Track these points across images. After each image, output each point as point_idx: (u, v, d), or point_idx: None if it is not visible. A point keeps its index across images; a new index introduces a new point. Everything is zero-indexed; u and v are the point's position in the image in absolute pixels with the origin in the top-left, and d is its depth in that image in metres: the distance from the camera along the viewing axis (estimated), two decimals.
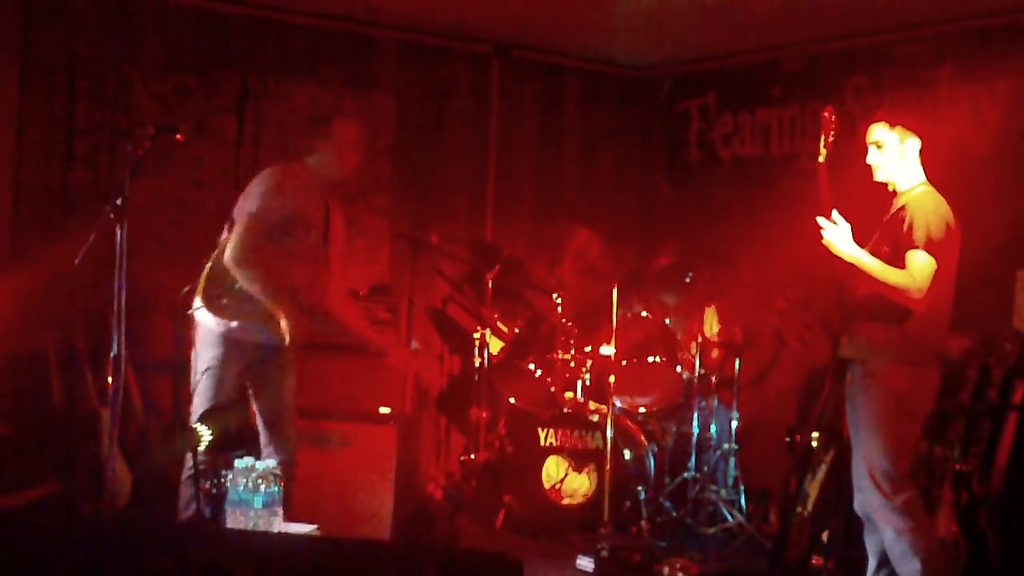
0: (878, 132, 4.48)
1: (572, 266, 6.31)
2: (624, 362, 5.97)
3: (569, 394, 6.19)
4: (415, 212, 6.96)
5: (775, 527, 5.76)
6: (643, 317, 6.25)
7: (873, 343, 4.42)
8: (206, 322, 4.62)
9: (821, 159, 4.51)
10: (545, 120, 7.47)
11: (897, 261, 4.32)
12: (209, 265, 4.60)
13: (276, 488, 4.24)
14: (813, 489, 5.11)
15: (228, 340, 4.61)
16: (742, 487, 6.07)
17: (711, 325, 6.33)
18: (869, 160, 4.51)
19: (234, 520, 4.18)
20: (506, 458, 6.01)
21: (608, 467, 5.51)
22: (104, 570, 3.18)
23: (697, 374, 6.14)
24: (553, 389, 6.13)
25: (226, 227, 4.72)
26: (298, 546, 3.64)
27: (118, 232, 4.02)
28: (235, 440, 4.62)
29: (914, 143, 4.47)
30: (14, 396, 5.63)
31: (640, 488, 5.88)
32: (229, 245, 4.56)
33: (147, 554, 3.20)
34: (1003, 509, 4.81)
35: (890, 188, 4.52)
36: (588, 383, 6.19)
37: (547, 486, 5.91)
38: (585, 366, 6.17)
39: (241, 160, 6.40)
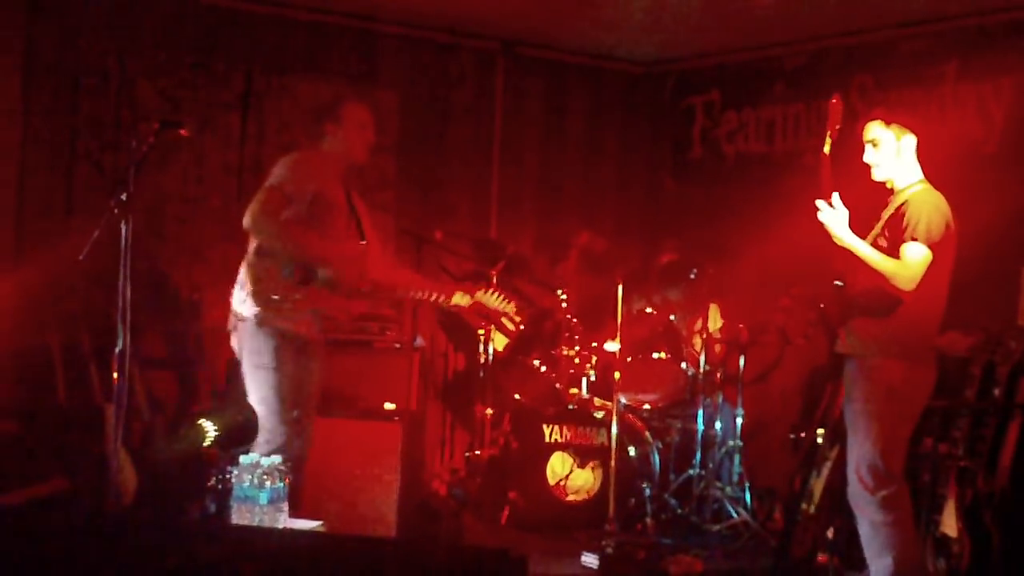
0: (874, 130, 4.44)
1: (576, 262, 6.31)
2: (629, 358, 5.96)
3: (574, 390, 6.19)
4: (419, 208, 6.97)
5: (780, 524, 5.74)
6: (648, 313, 6.25)
7: (869, 338, 4.40)
8: (262, 322, 4.56)
9: (826, 148, 4.44)
10: (549, 117, 7.46)
11: (895, 256, 4.29)
12: (249, 266, 4.55)
13: (281, 484, 4.23)
14: (818, 486, 5.09)
15: (283, 335, 4.57)
16: (747, 484, 6.04)
17: (715, 321, 6.33)
18: (866, 158, 4.46)
19: (239, 516, 4.18)
20: (511, 454, 6.01)
21: (613, 463, 5.49)
22: (109, 566, 3.17)
23: (702, 370, 6.14)
24: (558, 385, 6.13)
25: None
26: (303, 542, 3.63)
27: (123, 227, 4.02)
28: (240, 436, 4.61)
29: (910, 140, 4.42)
30: (19, 392, 5.64)
31: (645, 485, 5.87)
32: (247, 211, 4.50)
33: (152, 550, 3.20)
34: (1008, 506, 4.80)
35: (888, 186, 4.48)
36: (593, 379, 6.19)
37: (552, 482, 5.90)
38: (590, 362, 6.17)
39: (244, 156, 6.40)
